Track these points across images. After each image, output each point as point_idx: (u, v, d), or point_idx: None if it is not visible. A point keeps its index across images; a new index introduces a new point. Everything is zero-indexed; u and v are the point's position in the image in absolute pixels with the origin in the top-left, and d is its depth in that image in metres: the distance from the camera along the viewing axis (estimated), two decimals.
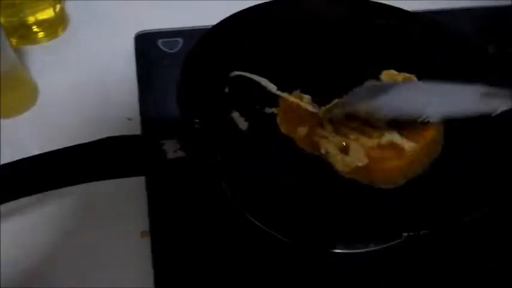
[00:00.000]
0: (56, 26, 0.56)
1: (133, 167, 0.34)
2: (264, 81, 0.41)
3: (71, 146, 0.34)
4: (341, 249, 0.41)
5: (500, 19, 0.60)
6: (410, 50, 0.45)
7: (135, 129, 0.48)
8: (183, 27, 0.57)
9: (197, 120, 0.36)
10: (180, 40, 0.56)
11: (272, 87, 0.42)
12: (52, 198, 0.41)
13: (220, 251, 0.39)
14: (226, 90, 0.40)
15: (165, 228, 0.39)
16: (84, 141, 0.35)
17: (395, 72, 0.44)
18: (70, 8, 0.60)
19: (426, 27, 0.47)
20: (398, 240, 0.39)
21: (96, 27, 0.59)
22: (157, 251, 0.38)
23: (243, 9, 0.46)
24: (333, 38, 0.46)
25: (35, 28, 0.55)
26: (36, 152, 0.34)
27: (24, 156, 0.33)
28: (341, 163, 0.36)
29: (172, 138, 0.34)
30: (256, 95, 0.40)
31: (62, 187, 0.34)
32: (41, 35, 0.56)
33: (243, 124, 0.38)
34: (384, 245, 0.40)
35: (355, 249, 0.40)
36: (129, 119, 0.49)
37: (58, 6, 0.55)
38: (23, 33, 0.55)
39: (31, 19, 0.54)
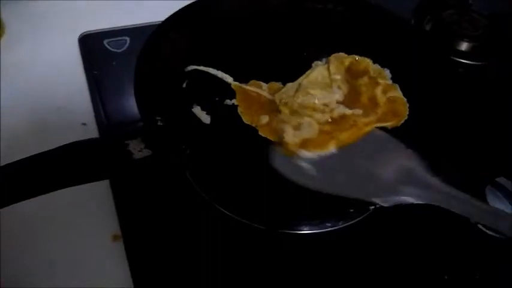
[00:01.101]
0: None
1: (99, 171, 0.33)
2: (220, 74, 0.41)
3: (31, 156, 0.33)
4: (308, 230, 0.42)
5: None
6: (352, 33, 0.47)
7: (92, 134, 0.47)
8: (128, 25, 0.56)
9: (159, 118, 0.36)
10: (127, 39, 0.55)
11: (228, 79, 0.42)
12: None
13: (194, 244, 0.39)
14: (184, 85, 0.40)
15: (137, 230, 0.39)
16: (39, 152, 0.34)
17: (344, 55, 0.46)
18: (5, 13, 0.57)
19: (365, 10, 0.49)
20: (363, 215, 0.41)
21: (35, 31, 0.56)
22: (131, 253, 0.38)
23: (190, 3, 0.46)
24: (278, 25, 0.47)
25: None
26: None
27: None
28: (291, 137, 0.37)
29: (136, 137, 0.34)
30: (214, 87, 0.40)
31: (25, 199, 0.33)
32: None
33: (205, 118, 0.38)
34: (350, 222, 0.42)
35: (322, 229, 0.42)
36: (84, 124, 0.47)
37: None
38: None
39: None
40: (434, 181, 0.34)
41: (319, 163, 0.36)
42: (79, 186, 0.34)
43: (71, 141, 0.35)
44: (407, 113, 0.41)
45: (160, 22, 0.55)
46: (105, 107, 0.48)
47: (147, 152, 0.34)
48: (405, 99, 0.42)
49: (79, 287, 0.37)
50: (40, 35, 0.56)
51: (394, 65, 0.44)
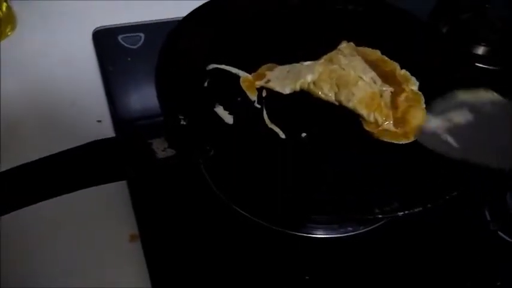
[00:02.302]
0: (3, 26, 0.52)
1: (121, 170, 0.32)
2: (241, 73, 0.41)
3: (51, 155, 0.32)
4: (322, 234, 0.42)
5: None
6: (372, 34, 0.47)
7: (107, 131, 0.46)
8: (143, 22, 0.55)
9: (182, 117, 0.35)
10: (142, 35, 0.54)
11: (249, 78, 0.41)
12: None
13: (210, 244, 0.39)
14: (206, 84, 0.39)
15: (154, 229, 0.39)
16: (54, 151, 0.32)
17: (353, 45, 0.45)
18: (16, 5, 0.56)
19: (386, 12, 0.49)
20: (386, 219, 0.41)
21: (48, 26, 0.55)
22: (149, 253, 0.37)
23: (207, 2, 0.45)
24: (298, 25, 0.47)
25: None
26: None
27: None
28: None
29: (159, 136, 0.33)
30: (237, 86, 0.39)
31: (44, 199, 0.32)
32: None
33: (228, 118, 0.37)
34: (363, 229, 0.42)
35: (343, 233, 0.42)
36: (99, 121, 0.47)
37: (5, 5, 0.52)
38: None
39: None
40: None
41: (457, 135, 0.37)
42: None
43: (87, 138, 0.34)
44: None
45: (175, 18, 0.55)
46: (120, 104, 0.47)
47: (170, 152, 0.33)
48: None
49: (97, 287, 0.36)
50: (52, 29, 0.55)
51: (412, 66, 0.44)
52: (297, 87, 0.40)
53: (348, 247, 0.41)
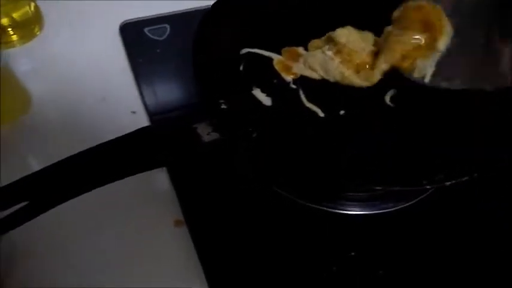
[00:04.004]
0: (32, 25, 0.53)
1: (170, 155, 0.33)
2: (274, 56, 0.41)
3: (99, 144, 0.32)
4: (364, 211, 0.42)
5: None
6: None
7: (142, 122, 0.46)
8: (167, 13, 0.56)
9: (222, 101, 0.36)
10: (167, 26, 0.54)
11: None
12: None
13: (255, 225, 0.40)
14: (241, 68, 0.39)
15: (199, 213, 0.39)
16: (92, 144, 0.33)
17: None
18: (43, 5, 0.56)
19: None
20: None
21: (74, 23, 0.56)
22: (197, 237, 0.38)
23: None
24: (328, 5, 0.46)
25: (10, 30, 0.52)
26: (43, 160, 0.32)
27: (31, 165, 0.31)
28: None
29: (203, 121, 0.34)
30: (270, 69, 0.40)
31: (96, 187, 0.32)
32: (16, 36, 0.52)
33: (266, 100, 0.37)
34: (402, 205, 0.42)
35: (378, 210, 0.42)
36: (134, 112, 0.47)
37: (33, 4, 0.52)
38: None
39: (5, 21, 0.51)
40: None
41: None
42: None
43: (123, 130, 0.35)
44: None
45: (198, 8, 0.55)
46: (153, 94, 0.47)
47: (215, 135, 0.33)
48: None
49: (146, 274, 0.37)
50: (79, 26, 0.55)
51: None
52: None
53: (388, 223, 0.42)
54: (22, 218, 0.27)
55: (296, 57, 0.41)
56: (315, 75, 0.40)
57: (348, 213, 0.41)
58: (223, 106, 0.35)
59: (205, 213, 0.39)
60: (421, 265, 0.39)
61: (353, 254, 0.39)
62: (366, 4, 0.44)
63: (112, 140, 0.32)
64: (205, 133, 0.33)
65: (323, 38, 0.42)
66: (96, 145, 0.32)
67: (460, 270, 0.39)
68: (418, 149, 0.34)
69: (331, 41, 0.40)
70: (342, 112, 0.37)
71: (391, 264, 0.39)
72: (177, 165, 0.41)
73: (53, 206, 0.29)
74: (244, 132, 0.34)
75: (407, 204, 0.43)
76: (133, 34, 0.53)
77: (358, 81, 0.39)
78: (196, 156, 0.37)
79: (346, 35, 0.39)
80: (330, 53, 0.40)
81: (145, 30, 0.53)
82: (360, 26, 0.42)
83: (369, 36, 0.41)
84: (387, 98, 0.39)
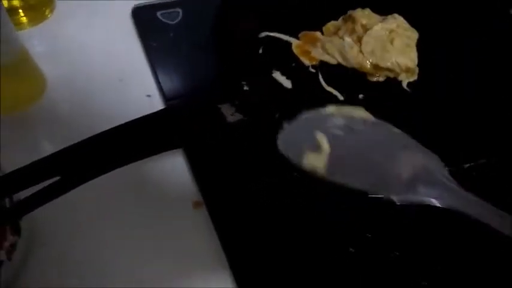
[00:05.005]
0: (43, 8, 0.52)
1: (195, 135, 0.33)
2: (293, 40, 0.41)
3: (124, 123, 0.33)
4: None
5: None
6: None
7: (158, 105, 0.46)
8: None
9: (244, 82, 0.36)
10: (179, 10, 0.54)
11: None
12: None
13: (275, 204, 0.39)
14: (260, 51, 0.40)
15: (217, 193, 0.39)
16: (109, 127, 0.33)
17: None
18: None
19: None
20: None
21: (84, 6, 0.55)
22: (216, 218, 0.38)
23: None
24: None
25: (21, 12, 0.51)
26: (63, 143, 0.32)
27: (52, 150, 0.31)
28: None
29: (226, 102, 0.34)
30: (289, 52, 0.40)
31: (120, 166, 0.33)
32: (26, 18, 0.52)
33: (286, 83, 0.38)
34: None
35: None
36: (149, 95, 0.47)
37: None
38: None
39: (16, 2, 0.50)
40: (454, 185, 0.35)
41: (336, 158, 0.36)
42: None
43: (138, 113, 0.35)
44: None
45: None
46: (168, 78, 0.47)
47: (239, 116, 0.34)
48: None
49: (166, 257, 0.37)
50: (91, 9, 0.55)
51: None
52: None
53: (404, 206, 0.42)
54: (53, 193, 0.28)
55: (314, 42, 0.41)
56: (333, 61, 0.41)
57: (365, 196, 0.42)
58: (245, 88, 0.36)
59: (225, 193, 0.39)
60: (435, 247, 0.39)
61: (369, 235, 0.39)
62: None
63: (139, 118, 0.32)
64: (229, 113, 0.34)
65: (337, 21, 0.42)
66: (124, 123, 0.32)
67: (476, 255, 0.39)
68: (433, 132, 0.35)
69: (349, 20, 0.41)
70: (360, 96, 0.38)
71: (406, 245, 0.39)
72: (193, 146, 0.41)
73: (83, 182, 0.29)
74: (266, 112, 0.34)
75: None
76: (145, 18, 0.53)
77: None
78: (223, 136, 0.37)
79: (367, 16, 0.40)
80: (349, 39, 0.40)
81: (158, 14, 0.53)
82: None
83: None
84: (404, 84, 0.39)
